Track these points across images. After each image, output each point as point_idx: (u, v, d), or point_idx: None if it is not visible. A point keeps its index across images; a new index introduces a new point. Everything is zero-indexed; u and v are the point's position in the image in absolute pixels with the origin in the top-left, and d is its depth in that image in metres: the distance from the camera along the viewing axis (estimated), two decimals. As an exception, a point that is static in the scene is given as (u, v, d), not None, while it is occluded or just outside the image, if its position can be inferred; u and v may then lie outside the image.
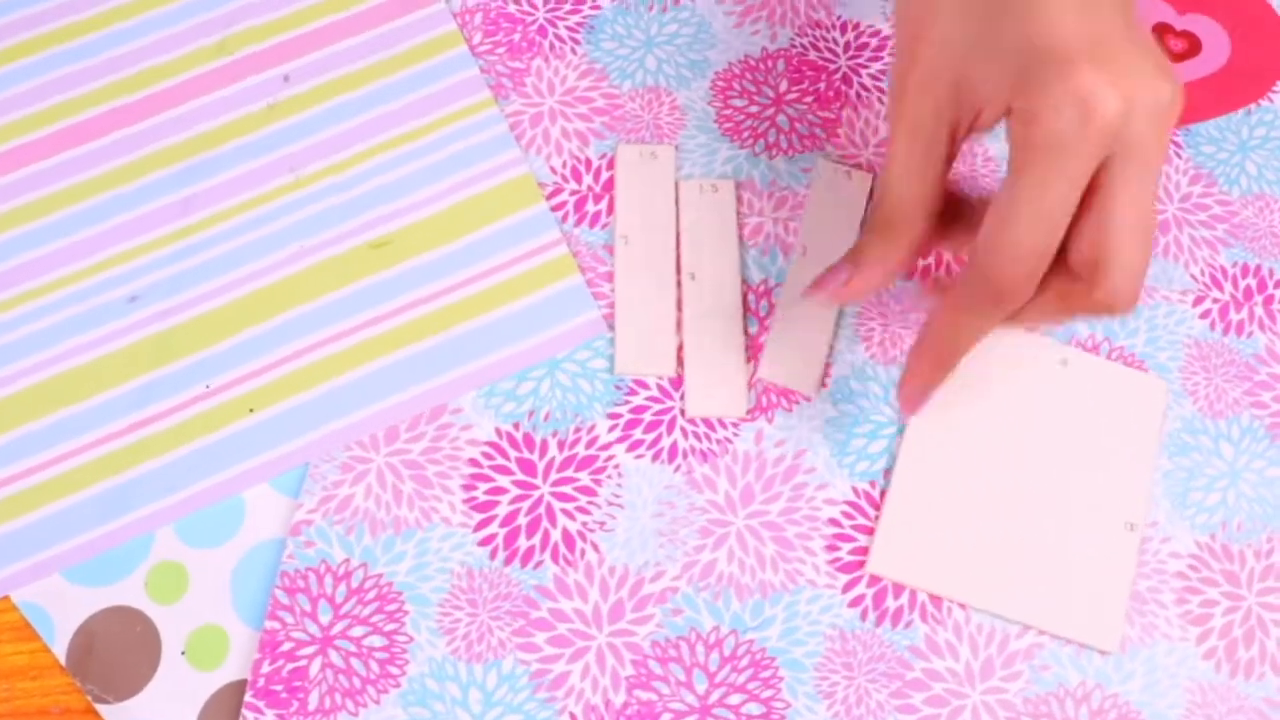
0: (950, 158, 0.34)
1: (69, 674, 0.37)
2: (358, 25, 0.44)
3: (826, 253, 0.40)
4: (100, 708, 0.36)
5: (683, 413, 0.39)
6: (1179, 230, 0.43)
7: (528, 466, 0.39)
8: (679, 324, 0.40)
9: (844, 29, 0.45)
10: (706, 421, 0.40)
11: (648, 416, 0.40)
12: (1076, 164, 0.30)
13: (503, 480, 0.39)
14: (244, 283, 0.41)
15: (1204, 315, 0.42)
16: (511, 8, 0.45)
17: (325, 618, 0.37)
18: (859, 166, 0.43)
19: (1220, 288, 0.42)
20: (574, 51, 0.44)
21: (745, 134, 0.43)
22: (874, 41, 0.45)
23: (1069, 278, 0.32)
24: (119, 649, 0.37)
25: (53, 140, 0.43)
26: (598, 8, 0.45)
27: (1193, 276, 0.42)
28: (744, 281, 0.41)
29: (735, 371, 0.40)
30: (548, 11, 0.45)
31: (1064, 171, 0.30)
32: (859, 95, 0.44)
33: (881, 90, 0.44)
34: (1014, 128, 0.31)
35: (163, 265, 0.41)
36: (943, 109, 0.33)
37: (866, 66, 0.44)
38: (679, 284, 0.41)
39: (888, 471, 0.39)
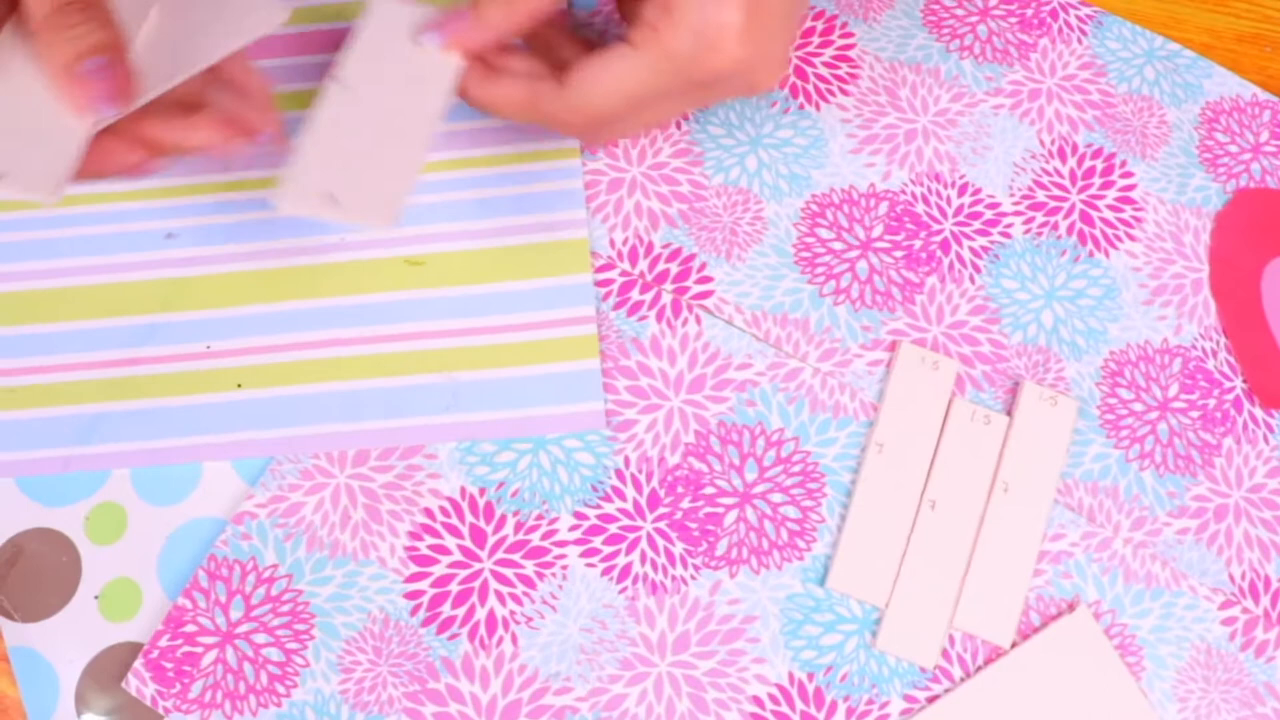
0: None
1: (-11, 578, 0.39)
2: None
3: (903, 453, 0.39)
4: (3, 621, 0.38)
5: (872, 641, 0.39)
6: (1046, 101, 0.44)
7: (479, 536, 0.39)
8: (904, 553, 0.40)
9: (962, 190, 0.43)
10: (669, 553, 0.39)
11: (613, 528, 0.40)
12: (679, 83, 0.36)
13: (450, 541, 0.39)
14: (277, 256, 0.42)
15: (1227, 622, 0.39)
16: (633, 60, 0.44)
17: (236, 614, 0.38)
18: (925, 343, 0.41)
19: (1256, 599, 0.40)
20: (678, 125, 0.44)
21: (819, 269, 0.42)
22: (988, 213, 0.43)
23: None
24: (41, 571, 0.39)
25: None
26: (718, 87, 0.44)
27: (1230, 577, 0.40)
28: (981, 523, 0.40)
29: (938, 622, 0.39)
30: (668, 75, 0.44)
31: (661, 77, 0.35)
32: (951, 266, 0.42)
33: (977, 268, 0.42)
34: (647, 11, 0.35)
35: (208, 212, 0.42)
36: None
37: (971, 238, 0.43)
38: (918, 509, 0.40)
39: (831, 669, 0.38)
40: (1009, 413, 0.41)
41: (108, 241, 0.42)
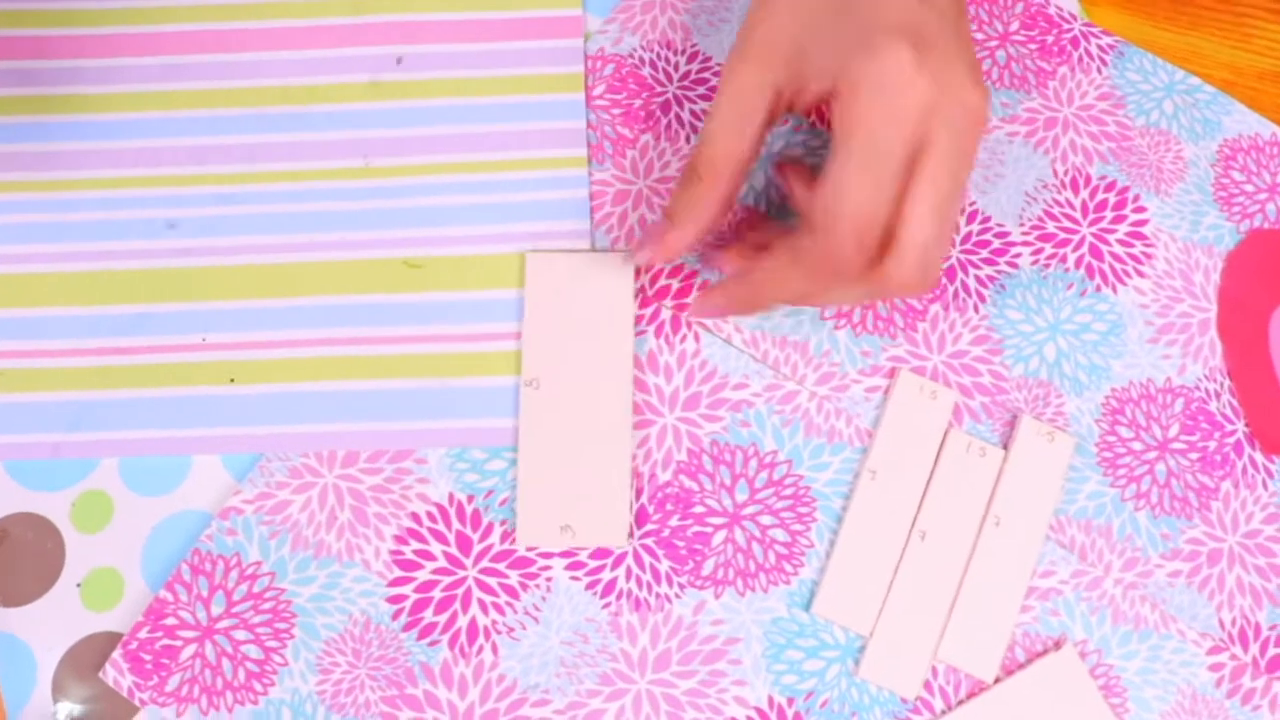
0: (770, 123, 0.37)
1: (-26, 560, 0.39)
2: (489, 32, 0.44)
3: (896, 481, 0.40)
4: (-13, 604, 0.39)
5: (854, 668, 0.39)
6: (1062, 130, 0.44)
7: (464, 544, 0.39)
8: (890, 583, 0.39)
9: (971, 218, 0.43)
10: (654, 571, 0.39)
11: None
12: (893, 133, 0.33)
13: (435, 547, 0.39)
14: (276, 251, 0.42)
15: (1215, 668, 0.39)
16: (646, 71, 0.44)
17: (217, 609, 0.39)
18: (925, 372, 0.41)
19: (1245, 646, 0.39)
20: (687, 140, 0.43)
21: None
22: (996, 242, 0.43)
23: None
24: (24, 556, 0.39)
25: (155, 40, 0.44)
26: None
27: (1220, 623, 0.39)
28: (971, 556, 0.39)
29: (922, 653, 0.39)
30: (680, 88, 0.44)
31: (883, 142, 0.33)
32: (956, 294, 0.42)
33: (982, 297, 0.42)
34: (836, 105, 0.34)
35: (210, 203, 0.42)
36: (774, 73, 0.36)
37: (977, 267, 0.42)
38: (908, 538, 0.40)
39: (812, 694, 0.38)
40: (1005, 446, 0.41)
41: (107, 227, 0.42)
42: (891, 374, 0.41)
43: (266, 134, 0.43)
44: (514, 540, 0.39)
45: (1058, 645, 0.39)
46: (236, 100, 0.44)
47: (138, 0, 0.44)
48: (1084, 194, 0.43)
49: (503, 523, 0.40)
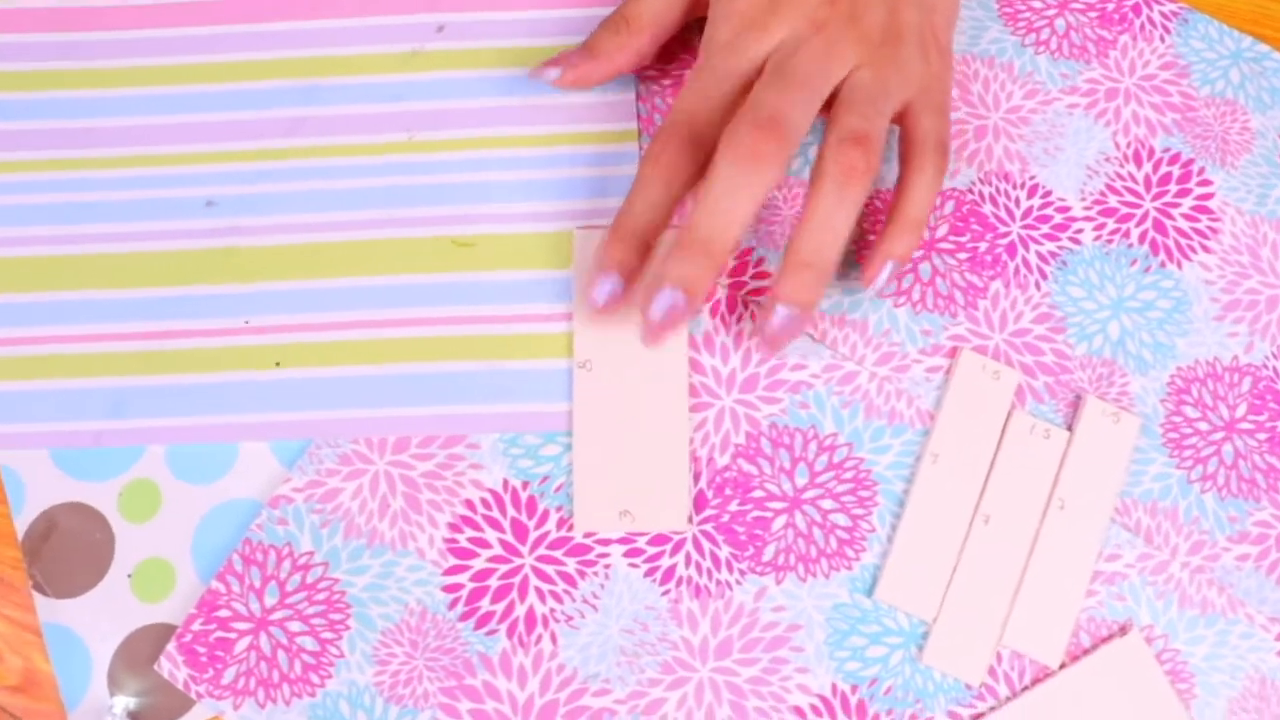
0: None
1: (21, 550, 0.39)
2: (530, 0, 0.43)
3: (959, 464, 0.39)
4: (37, 596, 0.38)
5: (918, 654, 0.39)
6: (1124, 101, 0.43)
7: (520, 531, 0.39)
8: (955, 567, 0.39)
9: (1031, 192, 0.42)
10: (715, 556, 0.39)
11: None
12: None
13: (490, 535, 0.39)
14: (319, 230, 0.41)
15: None
16: (696, 38, 0.43)
17: (270, 600, 0.38)
18: (986, 351, 0.41)
19: None
20: (740, 112, 0.43)
21: (880, 269, 0.41)
22: (1058, 217, 0.42)
23: None
24: (73, 547, 0.39)
25: (191, 10, 0.43)
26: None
27: None
28: (1035, 540, 0.39)
29: (986, 639, 0.39)
30: (731, 57, 0.43)
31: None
32: (1017, 271, 0.41)
33: (1044, 274, 0.41)
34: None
35: (250, 180, 0.42)
36: None
37: (1038, 243, 0.42)
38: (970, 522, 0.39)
39: (876, 681, 0.38)
40: (1069, 427, 0.40)
41: (145, 207, 0.41)
42: (952, 353, 0.41)
43: (307, 107, 0.42)
44: (571, 527, 0.39)
45: (1123, 631, 0.39)
46: (274, 72, 0.43)
47: (169, -31, 0.43)
48: (1147, 167, 0.43)
49: (559, 509, 0.39)
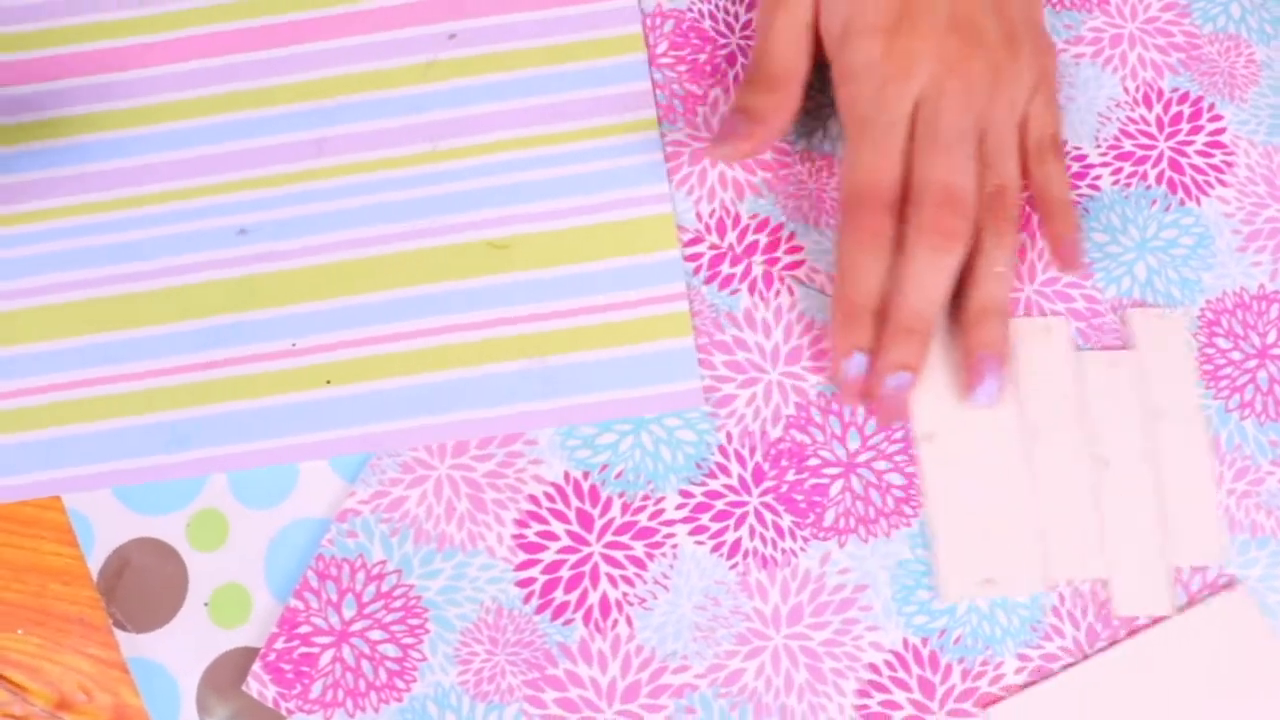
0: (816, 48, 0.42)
1: (97, 590, 0.39)
2: (539, 0, 0.44)
3: (1058, 425, 0.41)
4: (118, 633, 0.39)
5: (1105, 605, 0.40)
6: (1129, 46, 0.44)
7: (585, 520, 0.40)
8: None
9: (1049, 143, 0.43)
10: (777, 526, 0.40)
11: (720, 504, 0.40)
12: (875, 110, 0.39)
13: (557, 527, 0.40)
14: (354, 246, 0.42)
15: None
16: (707, 24, 0.44)
17: (349, 612, 0.39)
18: (1018, 304, 0.42)
19: None
20: (755, 91, 0.43)
21: (908, 232, 0.42)
22: (1075, 166, 0.43)
23: None
24: (148, 581, 0.40)
25: (207, 42, 0.44)
26: (794, 48, 0.44)
27: None
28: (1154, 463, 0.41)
29: (1159, 567, 0.40)
30: (743, 38, 0.44)
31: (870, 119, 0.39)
32: (1041, 221, 0.43)
33: None
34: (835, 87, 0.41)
35: (280, 204, 0.42)
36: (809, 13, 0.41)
37: (1060, 191, 0.43)
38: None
39: (945, 632, 0.39)
40: (1129, 346, 0.42)
41: (180, 241, 0.42)
42: (987, 308, 0.42)
43: (329, 127, 0.43)
44: (635, 511, 0.40)
45: (1230, 585, 0.40)
46: (294, 96, 0.43)
47: (181, 4, 0.44)
48: (1157, 108, 0.44)
49: (620, 495, 0.40)
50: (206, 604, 0.40)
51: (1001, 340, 0.39)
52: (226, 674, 0.39)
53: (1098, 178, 0.43)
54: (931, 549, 0.40)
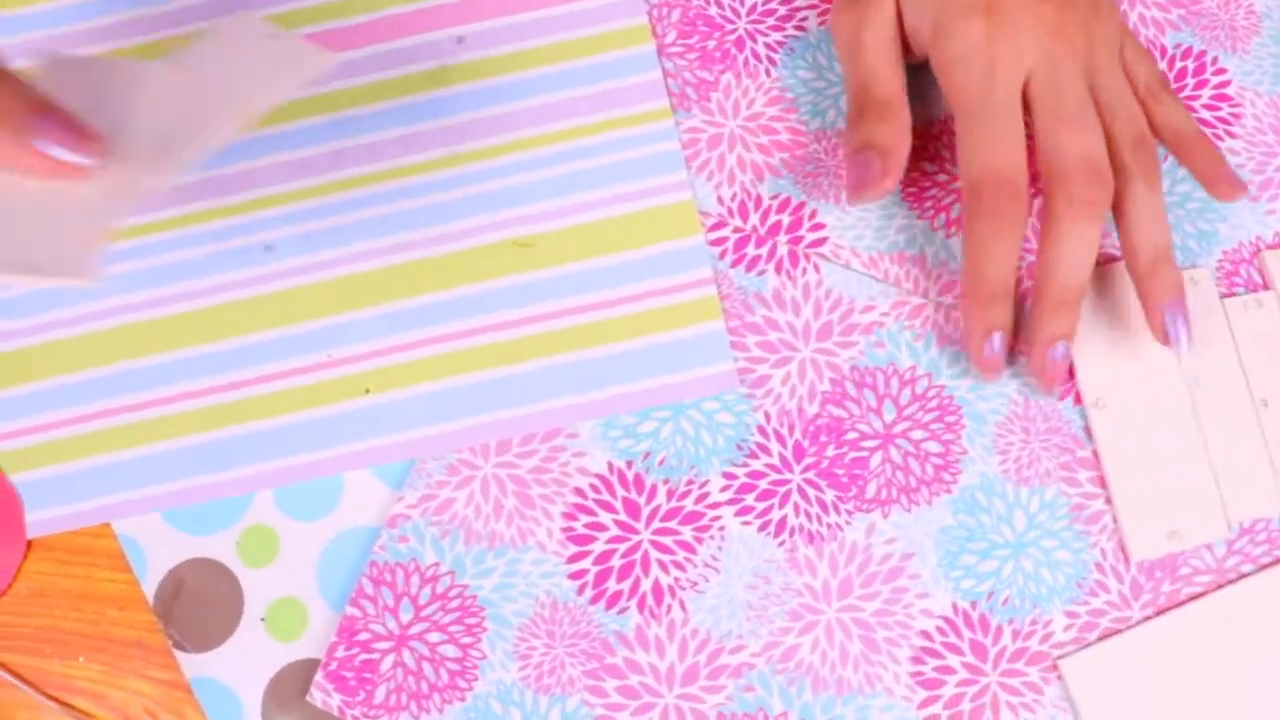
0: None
1: (155, 614, 0.40)
2: (544, -2, 0.44)
3: (1217, 372, 0.41)
4: (178, 654, 0.39)
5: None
6: (1129, 6, 0.45)
7: (632, 509, 0.41)
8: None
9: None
10: (821, 502, 0.41)
11: (763, 484, 0.41)
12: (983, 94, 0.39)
13: (605, 517, 0.40)
14: (381, 255, 0.42)
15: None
16: (713, 10, 0.45)
17: (406, 616, 0.40)
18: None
19: None
20: (768, 74, 0.44)
21: (928, 203, 0.43)
22: (1086, 126, 0.44)
23: None
24: (203, 601, 0.40)
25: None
26: (803, 29, 0.45)
27: None
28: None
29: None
30: (750, 22, 0.45)
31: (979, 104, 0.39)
32: (1056, 183, 0.43)
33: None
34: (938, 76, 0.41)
35: (304, 219, 0.43)
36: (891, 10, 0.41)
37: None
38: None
39: (992, 595, 0.40)
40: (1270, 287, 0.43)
41: (208, 263, 0.42)
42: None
43: (347, 139, 0.43)
44: (681, 497, 0.41)
45: None
46: (310, 110, 0.44)
47: (192, 25, 0.44)
48: (1162, 65, 0.45)
49: (665, 482, 0.41)
50: (263, 619, 0.40)
51: (1178, 284, 0.40)
52: (289, 687, 0.40)
53: (1108, 137, 0.44)
54: (1116, 507, 0.41)
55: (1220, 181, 0.41)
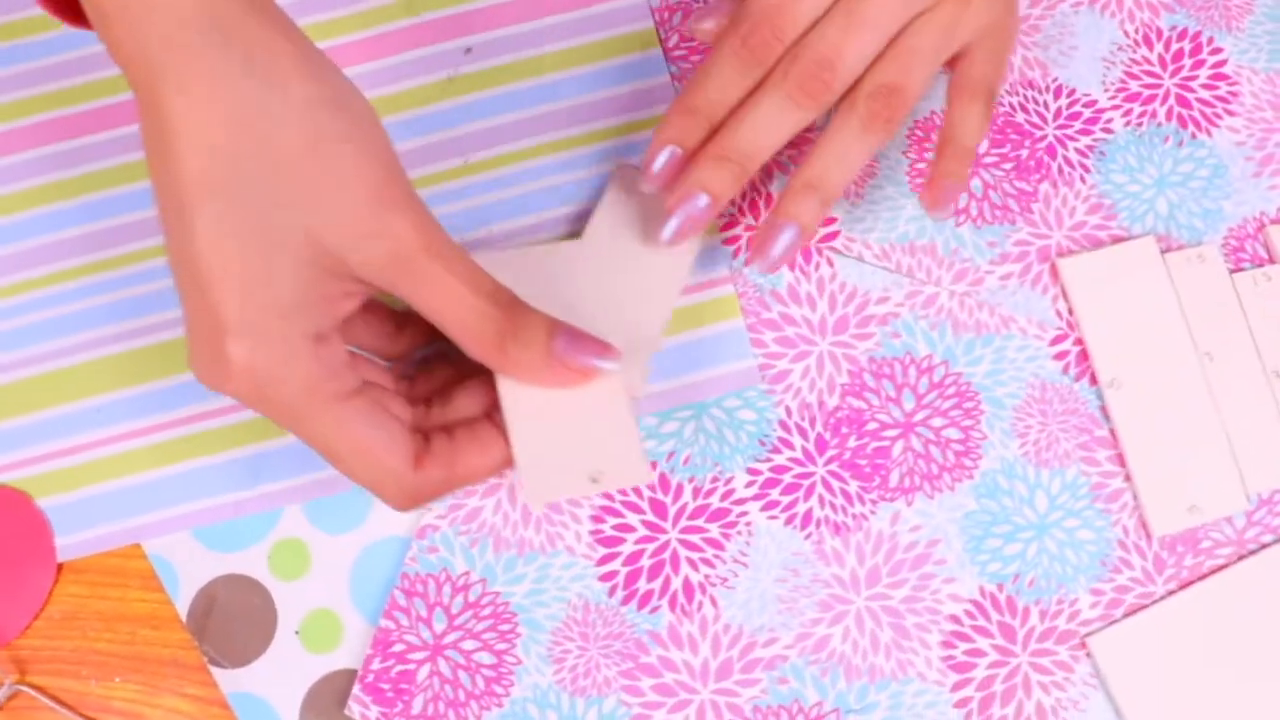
0: None
1: (189, 631, 0.40)
2: (551, 4, 0.45)
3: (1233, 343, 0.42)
4: (214, 670, 0.40)
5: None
6: None
7: (659, 508, 0.41)
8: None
9: (1057, 94, 0.45)
10: (845, 493, 0.41)
11: (787, 478, 0.41)
12: None
13: (632, 518, 0.41)
14: (400, 266, 0.42)
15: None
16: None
17: (439, 626, 0.40)
18: (1049, 250, 0.43)
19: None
20: (771, 73, 0.45)
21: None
22: (1087, 112, 0.45)
23: None
24: (237, 616, 0.40)
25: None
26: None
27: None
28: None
29: None
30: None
31: None
32: (1060, 170, 0.44)
33: (1085, 168, 0.44)
34: None
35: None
36: None
37: (1074, 139, 0.44)
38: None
39: (1018, 576, 0.41)
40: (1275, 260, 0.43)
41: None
42: (1021, 258, 0.43)
43: (359, 154, 0.44)
44: (707, 494, 0.41)
45: None
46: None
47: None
48: (1159, 48, 0.45)
49: (690, 480, 0.41)
50: (298, 632, 0.40)
51: (809, 221, 0.38)
52: (326, 699, 0.40)
53: (1110, 121, 0.45)
54: (1136, 484, 0.41)
55: (940, 187, 0.40)
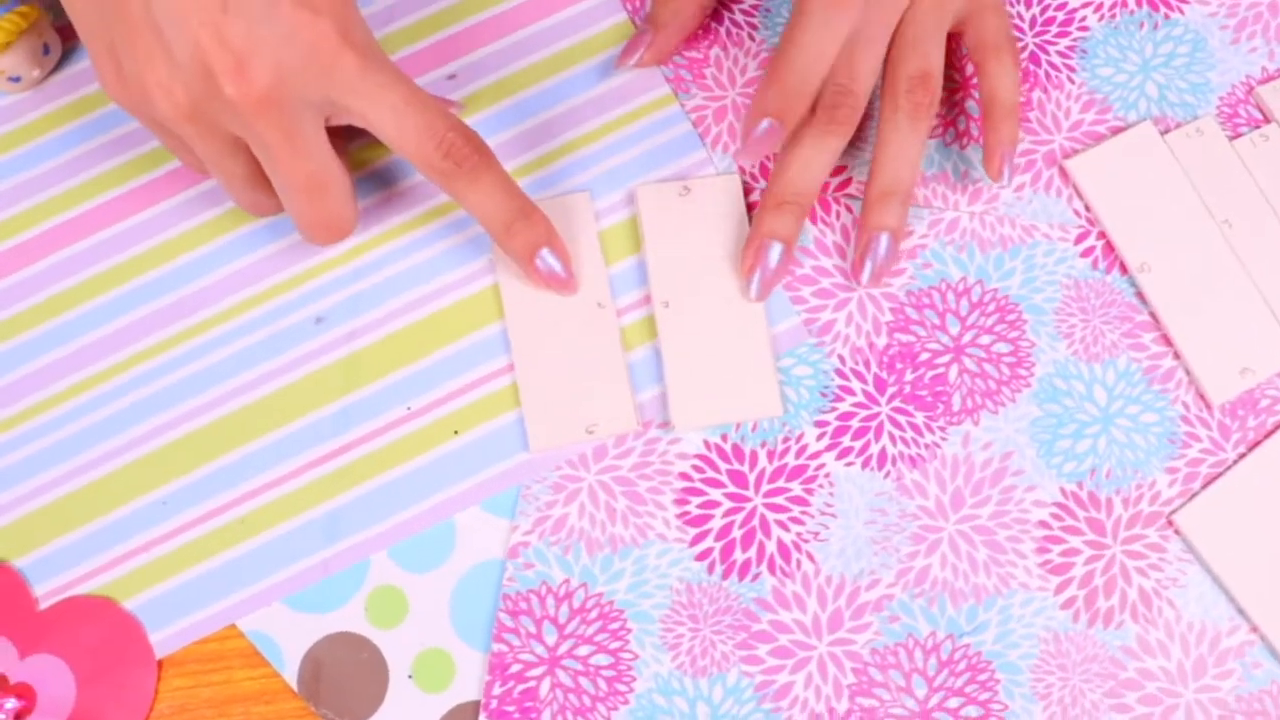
0: None
1: (302, 699, 0.40)
2: (523, 17, 0.46)
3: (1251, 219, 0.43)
4: (336, 732, 0.40)
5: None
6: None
7: (739, 478, 0.42)
8: None
9: (1028, 3, 0.46)
10: (913, 425, 0.42)
11: (854, 423, 0.42)
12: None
13: (715, 494, 0.41)
14: (430, 300, 0.43)
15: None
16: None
17: (551, 638, 0.40)
18: (1054, 155, 0.44)
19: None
20: (751, 38, 0.46)
21: (934, 123, 0.45)
22: (1059, 15, 0.46)
23: None
24: (347, 674, 0.40)
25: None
26: (770, -11, 0.46)
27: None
28: None
29: None
30: (717, -7, 0.46)
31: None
32: (1048, 75, 0.45)
33: (1071, 68, 0.45)
34: None
35: (344, 284, 0.43)
36: None
37: (1054, 43, 0.46)
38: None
39: (1094, 471, 0.42)
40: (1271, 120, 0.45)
41: (264, 348, 0.43)
42: (1029, 167, 0.44)
43: (365, 199, 0.44)
44: (781, 455, 0.42)
45: None
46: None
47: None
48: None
49: (762, 445, 0.42)
50: (410, 676, 0.40)
51: (898, 224, 0.42)
52: (455, 735, 0.40)
53: (1084, 19, 0.46)
54: (1186, 360, 0.42)
55: (993, 157, 0.42)
